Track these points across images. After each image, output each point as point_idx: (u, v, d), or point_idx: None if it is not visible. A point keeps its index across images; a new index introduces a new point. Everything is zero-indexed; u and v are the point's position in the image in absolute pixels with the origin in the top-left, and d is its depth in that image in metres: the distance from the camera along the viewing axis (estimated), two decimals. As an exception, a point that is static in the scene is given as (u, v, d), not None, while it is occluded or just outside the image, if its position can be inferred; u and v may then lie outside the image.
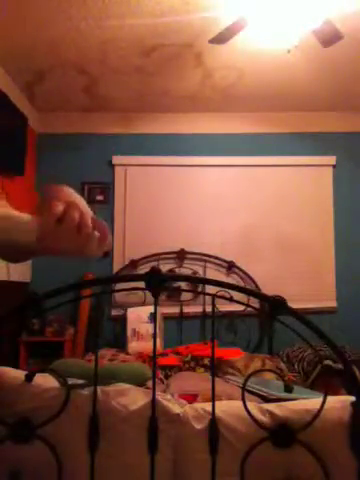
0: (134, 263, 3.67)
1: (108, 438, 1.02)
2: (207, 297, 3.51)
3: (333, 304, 3.73)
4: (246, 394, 1.03)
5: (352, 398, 1.03)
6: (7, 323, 1.00)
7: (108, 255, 0.75)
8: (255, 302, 3.01)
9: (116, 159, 3.89)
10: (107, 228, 0.73)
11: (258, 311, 3.21)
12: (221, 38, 2.49)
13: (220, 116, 3.91)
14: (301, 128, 3.92)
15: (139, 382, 1.48)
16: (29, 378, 1.07)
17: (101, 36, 2.76)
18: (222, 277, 3.69)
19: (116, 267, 3.73)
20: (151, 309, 3.20)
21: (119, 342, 3.41)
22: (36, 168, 3.88)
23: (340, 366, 2.18)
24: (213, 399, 1.04)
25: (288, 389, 1.12)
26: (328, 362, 2.47)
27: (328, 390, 1.01)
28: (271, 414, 1.03)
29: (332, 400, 1.03)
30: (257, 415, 1.03)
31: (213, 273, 3.70)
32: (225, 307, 3.17)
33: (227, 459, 1.00)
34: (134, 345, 3.25)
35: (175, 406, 1.09)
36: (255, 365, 2.61)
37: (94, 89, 3.48)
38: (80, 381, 1.19)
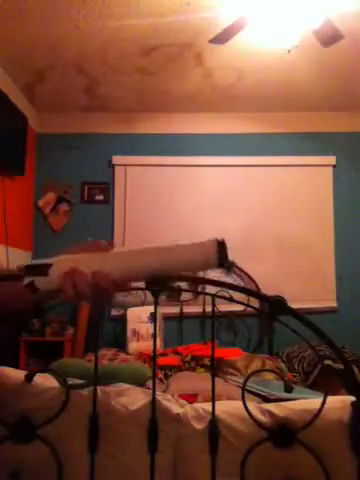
0: (134, 263, 3.66)
1: (108, 438, 1.02)
2: (207, 297, 3.50)
3: (333, 304, 3.73)
4: (246, 394, 1.03)
5: (352, 398, 1.03)
6: (7, 323, 1.00)
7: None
8: (255, 302, 3.01)
9: (116, 159, 3.89)
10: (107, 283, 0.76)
11: (258, 311, 3.21)
12: (221, 38, 2.49)
13: (220, 116, 3.91)
14: (301, 128, 3.92)
15: (139, 382, 1.48)
16: (29, 378, 1.07)
17: (101, 36, 2.76)
18: (222, 277, 3.68)
19: (116, 267, 3.73)
20: (151, 309, 3.20)
21: (119, 342, 3.41)
22: (36, 168, 3.88)
23: (340, 366, 2.18)
24: (213, 399, 1.04)
25: (288, 389, 1.12)
26: (328, 362, 2.47)
27: (328, 390, 1.01)
28: (271, 414, 1.03)
29: (332, 400, 1.03)
30: (257, 415, 1.03)
31: (213, 273, 3.70)
32: (225, 307, 3.18)
33: (227, 459, 1.00)
34: (134, 345, 3.25)
35: (175, 406, 1.09)
36: (255, 365, 2.61)
37: (94, 89, 3.48)
38: (80, 381, 1.19)
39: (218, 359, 2.62)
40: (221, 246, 0.78)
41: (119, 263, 0.81)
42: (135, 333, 3.30)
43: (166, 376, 2.57)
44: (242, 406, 1.00)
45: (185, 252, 0.83)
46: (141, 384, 1.49)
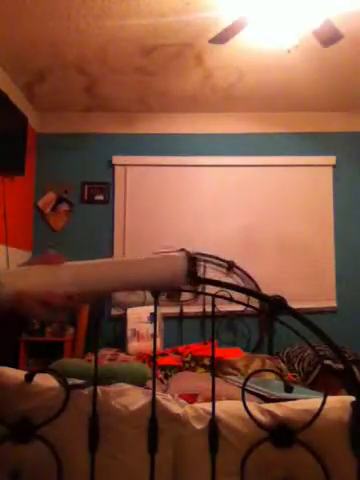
0: (134, 263, 3.66)
1: (108, 438, 1.02)
2: (207, 297, 3.51)
3: (333, 304, 3.73)
4: (246, 394, 1.03)
5: (352, 398, 1.03)
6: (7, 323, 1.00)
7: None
8: (255, 302, 3.00)
9: (116, 159, 3.89)
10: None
11: (258, 311, 3.21)
12: (221, 38, 2.49)
13: (220, 116, 3.91)
14: (301, 128, 3.92)
15: (139, 382, 1.48)
16: (29, 378, 1.07)
17: (101, 36, 2.76)
18: (222, 277, 3.69)
19: (116, 267, 3.72)
20: (151, 309, 3.20)
21: (119, 342, 3.41)
22: (36, 168, 3.88)
23: (340, 366, 2.18)
24: (213, 399, 1.04)
25: (288, 389, 1.12)
26: (328, 362, 2.47)
27: (328, 390, 1.01)
28: (271, 414, 1.03)
29: (332, 400, 1.03)
30: (257, 415, 1.03)
31: (213, 273, 3.70)
32: (225, 307, 3.17)
33: (227, 459, 1.00)
34: (134, 345, 3.25)
35: (175, 406, 1.09)
36: (255, 365, 2.60)
37: (94, 89, 3.48)
38: (80, 381, 1.19)
39: (218, 359, 2.62)
40: (191, 261, 0.74)
41: (76, 276, 0.76)
42: (135, 333, 3.30)
43: (166, 376, 2.57)
44: (242, 406, 1.00)
45: (149, 266, 0.78)
46: (141, 384, 1.49)
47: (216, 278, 3.42)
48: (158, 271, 0.76)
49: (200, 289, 2.84)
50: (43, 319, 0.81)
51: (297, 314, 1.02)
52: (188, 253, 0.76)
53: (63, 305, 0.74)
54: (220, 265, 3.75)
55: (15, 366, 1.51)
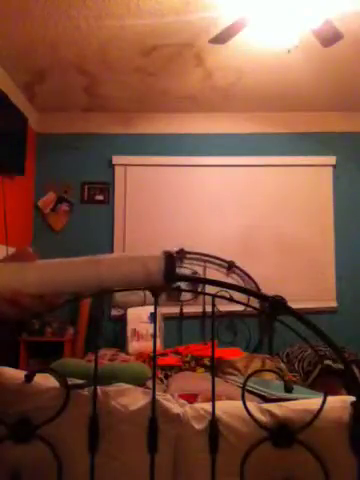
0: (134, 263, 3.65)
1: (108, 438, 1.02)
2: (207, 297, 3.51)
3: (333, 304, 3.73)
4: (246, 394, 1.03)
5: (352, 398, 1.03)
6: (7, 323, 1.00)
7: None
8: (255, 302, 3.01)
9: (116, 159, 3.89)
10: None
11: (258, 311, 3.21)
12: (221, 38, 2.49)
13: (220, 116, 3.91)
14: (301, 128, 3.92)
15: (139, 382, 1.48)
16: (29, 378, 1.07)
17: (101, 36, 2.76)
18: (222, 277, 3.69)
19: (116, 267, 3.72)
20: (151, 309, 3.20)
21: (119, 342, 3.41)
22: (36, 168, 3.88)
23: (340, 366, 2.18)
24: (213, 399, 1.04)
25: (288, 389, 1.12)
26: (328, 362, 2.47)
27: (328, 390, 1.01)
28: (271, 414, 1.03)
29: (332, 400, 1.03)
30: (257, 415, 1.03)
31: (213, 273, 3.70)
32: (225, 307, 3.17)
33: (227, 459, 1.00)
34: (134, 345, 3.25)
35: (175, 406, 1.09)
36: (255, 365, 2.60)
37: (94, 89, 3.48)
38: (80, 381, 1.19)
39: (218, 359, 2.62)
40: (169, 261, 0.69)
41: (41, 275, 0.72)
42: (135, 333, 3.30)
43: (166, 376, 2.57)
44: (242, 406, 1.00)
45: (121, 265, 0.73)
46: (141, 384, 1.49)
47: (216, 278, 3.42)
48: (131, 270, 0.71)
49: (200, 289, 2.85)
50: (12, 318, 0.77)
51: (297, 314, 1.02)
52: (166, 251, 0.71)
53: (32, 305, 0.71)
54: (220, 265, 3.75)
55: (15, 366, 1.51)
